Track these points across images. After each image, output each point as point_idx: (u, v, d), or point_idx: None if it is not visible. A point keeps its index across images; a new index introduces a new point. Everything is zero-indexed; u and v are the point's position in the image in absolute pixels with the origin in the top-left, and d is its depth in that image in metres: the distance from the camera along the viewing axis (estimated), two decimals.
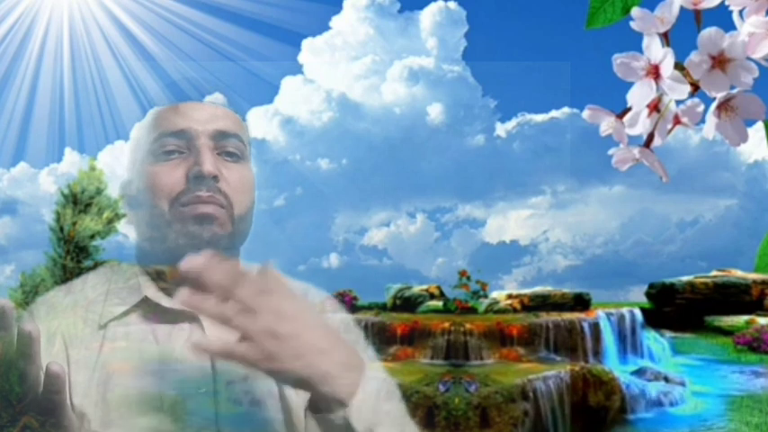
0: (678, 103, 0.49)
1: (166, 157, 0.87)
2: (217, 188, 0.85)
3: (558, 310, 7.70)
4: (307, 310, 0.71)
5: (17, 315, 0.63)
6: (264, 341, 0.66)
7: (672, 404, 6.64)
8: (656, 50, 0.46)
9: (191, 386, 0.83)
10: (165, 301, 0.85)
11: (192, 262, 0.65)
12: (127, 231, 0.93)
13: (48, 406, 0.64)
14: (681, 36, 0.47)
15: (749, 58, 0.45)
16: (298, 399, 0.87)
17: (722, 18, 0.46)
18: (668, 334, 9.03)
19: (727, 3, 0.46)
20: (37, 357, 0.63)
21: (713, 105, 0.46)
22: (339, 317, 0.97)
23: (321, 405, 0.70)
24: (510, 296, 8.21)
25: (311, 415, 0.72)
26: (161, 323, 0.85)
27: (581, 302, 8.29)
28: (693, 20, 0.47)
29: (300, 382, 0.69)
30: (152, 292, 0.86)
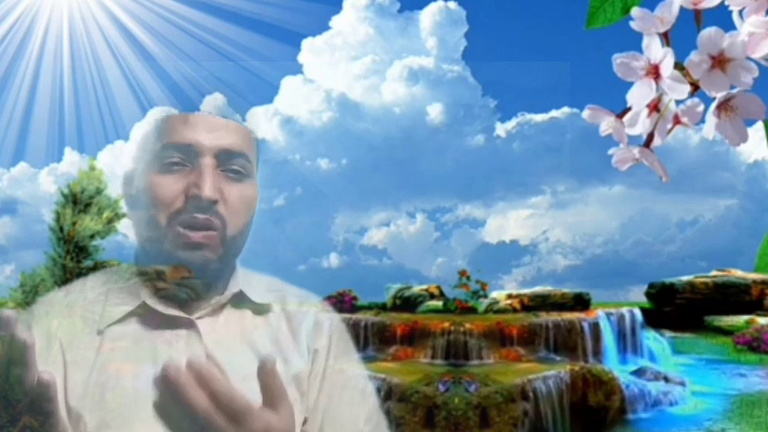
0: (678, 102, 0.49)
1: (169, 168, 0.86)
2: (214, 210, 0.85)
3: (558, 310, 7.70)
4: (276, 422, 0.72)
5: (17, 319, 0.63)
6: None
7: (672, 404, 6.64)
8: (655, 50, 0.46)
9: None
10: (162, 308, 0.86)
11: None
12: (127, 231, 0.94)
13: (40, 412, 0.65)
14: (681, 36, 0.47)
15: (749, 58, 0.45)
16: (299, 404, 0.88)
17: (722, 18, 0.46)
18: (668, 334, 9.02)
19: (727, 3, 0.46)
20: (33, 364, 0.63)
21: (713, 105, 0.46)
22: (331, 319, 0.97)
23: None
24: (510, 296, 8.21)
25: None
26: (159, 328, 0.85)
27: (581, 302, 8.28)
28: (693, 20, 0.47)
29: None
30: (150, 298, 0.86)
